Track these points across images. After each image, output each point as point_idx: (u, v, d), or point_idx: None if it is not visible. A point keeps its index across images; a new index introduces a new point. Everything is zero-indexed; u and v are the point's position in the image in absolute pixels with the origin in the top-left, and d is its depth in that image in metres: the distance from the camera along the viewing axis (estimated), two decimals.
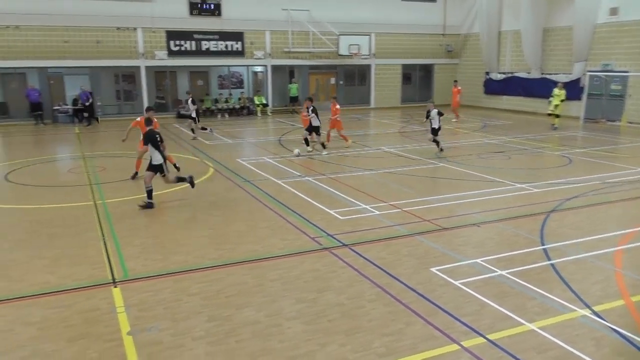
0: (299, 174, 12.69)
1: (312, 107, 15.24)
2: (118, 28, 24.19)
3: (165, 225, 8.87)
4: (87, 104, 23.48)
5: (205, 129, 19.13)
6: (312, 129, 15.33)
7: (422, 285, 6.37)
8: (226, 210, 9.81)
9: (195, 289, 6.31)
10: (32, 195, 10.86)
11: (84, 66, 24.07)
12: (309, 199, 10.32)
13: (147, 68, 25.29)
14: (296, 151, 15.12)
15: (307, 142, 15.55)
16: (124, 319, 5.57)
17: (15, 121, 23.23)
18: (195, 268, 6.98)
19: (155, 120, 10.78)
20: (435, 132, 14.92)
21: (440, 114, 14.93)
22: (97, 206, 9.91)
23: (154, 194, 9.83)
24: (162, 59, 25.34)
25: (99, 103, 24.79)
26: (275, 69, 28.05)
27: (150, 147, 9.71)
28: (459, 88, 24.45)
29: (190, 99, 18.65)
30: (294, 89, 28.11)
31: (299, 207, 9.76)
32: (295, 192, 10.94)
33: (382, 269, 6.87)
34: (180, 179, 10.22)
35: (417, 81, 32.16)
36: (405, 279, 6.55)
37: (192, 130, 18.63)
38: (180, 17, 25.22)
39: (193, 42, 25.82)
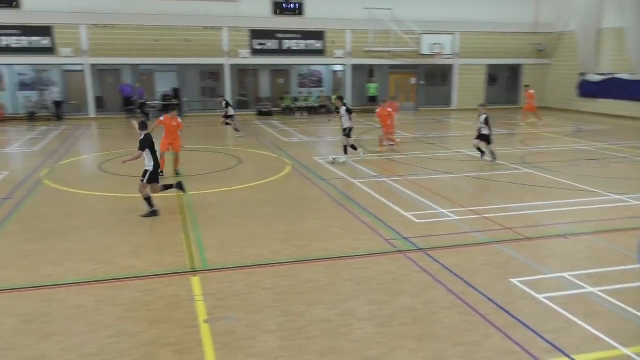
0: (375, 174, 12.64)
1: (345, 108, 14.35)
2: (205, 27, 25.36)
3: (244, 219, 9.18)
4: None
5: (229, 124, 19.69)
6: (343, 131, 14.27)
7: (501, 296, 6.11)
8: (301, 208, 9.98)
9: (269, 284, 6.49)
10: (122, 184, 11.66)
11: (173, 64, 25.50)
12: (385, 200, 10.24)
13: (231, 66, 26.31)
14: (343, 158, 14.11)
15: (353, 147, 14.33)
16: (202, 307, 5.84)
17: (110, 114, 25.10)
18: (270, 263, 7.17)
19: (180, 120, 11.95)
20: (484, 138, 13.83)
21: (487, 121, 13.75)
22: (181, 197, 10.46)
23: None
24: (245, 58, 26.24)
25: (185, 99, 26.15)
26: (355, 68, 28.11)
27: (146, 152, 9.21)
28: (532, 92, 23.17)
29: (225, 102, 19.98)
30: (372, 88, 28.03)
31: (374, 208, 9.72)
32: (371, 192, 10.91)
33: (458, 276, 6.68)
34: (167, 187, 9.66)
35: (504, 82, 30.89)
36: (483, 288, 6.32)
37: (236, 129, 19.36)
38: (263, 16, 25.98)
39: (275, 41, 26.49)
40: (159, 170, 9.69)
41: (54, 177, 12.31)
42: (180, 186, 9.76)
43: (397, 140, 16.49)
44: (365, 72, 28.57)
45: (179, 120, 12.15)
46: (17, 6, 22.77)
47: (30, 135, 19.35)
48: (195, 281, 6.55)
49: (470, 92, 29.79)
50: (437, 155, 15.41)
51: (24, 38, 23.29)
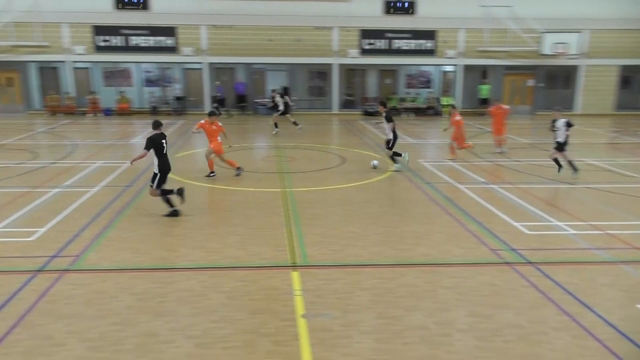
0: (483, 180, 12.11)
1: (385, 114, 13.08)
2: (316, 27, 25.99)
3: (345, 218, 9.28)
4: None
5: (297, 124, 19.85)
6: (387, 142, 13.11)
7: (624, 322, 5.56)
8: (404, 210, 9.86)
9: (367, 284, 6.49)
10: (232, 178, 12.34)
11: (284, 63, 26.46)
12: (493, 208, 9.78)
13: (340, 66, 26.70)
14: (374, 162, 13.41)
15: (392, 158, 13.18)
16: (300, 302, 6.01)
17: (223, 110, 26.65)
18: (369, 264, 7.17)
19: (220, 124, 12.11)
20: (560, 147, 12.27)
21: (568, 124, 12.19)
22: (285, 193, 10.83)
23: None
24: (354, 57, 26.48)
25: (294, 98, 27.02)
26: (467, 68, 27.16)
27: (153, 153, 9.04)
28: None
29: (279, 95, 20.14)
30: (484, 90, 26.89)
31: (480, 216, 9.32)
32: (478, 199, 10.47)
33: (573, 295, 6.18)
34: (166, 193, 9.17)
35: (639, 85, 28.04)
36: (603, 311, 5.79)
37: (276, 124, 19.57)
38: (374, 16, 26.02)
39: (385, 41, 26.42)
40: (167, 173, 9.25)
41: (173, 168, 13.33)
42: (180, 192, 9.16)
43: (471, 144, 15.20)
44: (477, 73, 27.49)
45: (220, 124, 12.29)
46: (146, 8, 25.03)
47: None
48: (295, 276, 6.74)
49: (597, 95, 27.44)
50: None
51: (151, 38, 25.55)
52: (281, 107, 19.69)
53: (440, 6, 25.71)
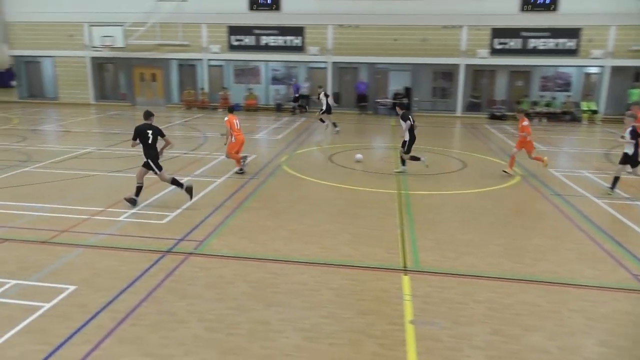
0: (627, 195, 10.93)
1: (401, 114, 12.64)
2: (444, 26, 25.32)
3: (462, 225, 8.94)
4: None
5: (323, 121, 20.01)
6: (403, 143, 12.72)
7: None
8: (528, 222, 9.26)
9: (483, 297, 6.19)
10: (348, 176, 12.50)
11: (408, 63, 26.17)
12: (637, 227, 8.78)
13: (466, 66, 25.76)
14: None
15: (413, 159, 12.74)
16: (409, 307, 5.91)
17: (344, 110, 27.10)
18: (486, 275, 6.84)
19: (235, 119, 12.25)
20: (628, 159, 10.62)
21: (636, 134, 10.37)
22: (400, 195, 10.72)
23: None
24: (483, 58, 25.38)
25: (415, 99, 26.62)
26: (615, 70, 24.67)
27: (140, 142, 9.48)
28: None
29: (324, 92, 20.01)
30: (635, 94, 24.17)
31: (621, 235, 8.42)
32: (618, 216, 9.48)
33: None
34: (176, 183, 9.71)
35: None
36: None
37: (322, 120, 19.98)
38: (509, 13, 24.69)
39: (519, 40, 24.96)
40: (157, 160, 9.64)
41: (291, 163, 13.89)
42: (189, 190, 9.68)
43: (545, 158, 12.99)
44: (628, 75, 24.81)
45: (235, 119, 12.35)
46: (278, 9, 26.27)
47: (275, 125, 22.21)
48: (406, 280, 6.65)
49: None
50: None
51: (280, 37, 26.78)
52: (324, 107, 19.83)
53: (586, 1, 23.64)
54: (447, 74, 26.68)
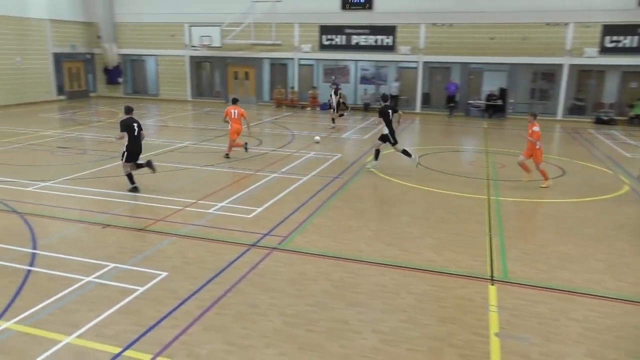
0: None
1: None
2: (547, 24, 23.96)
3: (559, 236, 8.42)
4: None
5: (343, 114, 21.01)
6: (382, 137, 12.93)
7: None
8: (637, 238, 8.52)
9: (578, 315, 5.80)
10: (434, 179, 12.23)
11: (505, 63, 25.06)
12: None
13: (571, 66, 24.20)
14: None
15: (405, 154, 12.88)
16: (495, 319, 5.67)
17: (434, 111, 26.54)
18: (583, 292, 6.39)
19: (233, 109, 13.96)
20: None
21: None
22: (490, 201, 10.31)
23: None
24: (591, 57, 23.69)
25: (511, 100, 25.44)
26: None
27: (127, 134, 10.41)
28: None
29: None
30: None
31: None
32: None
33: None
34: (141, 166, 10.76)
35: None
36: None
37: (333, 120, 20.56)
38: (624, 8, 22.83)
39: (635, 37, 22.99)
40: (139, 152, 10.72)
41: (380, 166, 13.82)
42: (149, 165, 10.64)
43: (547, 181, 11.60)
44: None
45: (242, 109, 14.11)
46: (370, 8, 26.24)
47: (362, 124, 22.21)
48: (492, 290, 6.39)
49: None
50: None
51: (371, 37, 26.74)
52: (334, 104, 20.51)
53: None
54: (548, 74, 25.19)
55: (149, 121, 22.07)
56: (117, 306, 5.82)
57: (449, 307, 5.96)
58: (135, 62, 31.92)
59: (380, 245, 7.88)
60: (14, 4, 25.95)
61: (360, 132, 20.08)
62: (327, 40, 27.47)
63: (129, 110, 10.92)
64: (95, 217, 8.96)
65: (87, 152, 14.82)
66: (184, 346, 5.08)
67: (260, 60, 29.07)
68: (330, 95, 21.07)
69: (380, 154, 13.33)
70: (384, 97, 13.74)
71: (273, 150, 15.43)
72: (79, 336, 5.20)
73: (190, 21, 28.66)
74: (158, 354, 4.92)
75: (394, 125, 13.02)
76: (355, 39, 26.99)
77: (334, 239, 8.13)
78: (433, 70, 26.83)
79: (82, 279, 6.47)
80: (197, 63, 30.63)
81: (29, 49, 27.06)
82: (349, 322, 5.60)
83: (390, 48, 26.49)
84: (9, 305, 5.79)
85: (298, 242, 7.96)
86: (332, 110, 20.95)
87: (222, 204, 9.80)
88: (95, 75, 31.79)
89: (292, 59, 28.36)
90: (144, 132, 11.02)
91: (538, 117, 11.70)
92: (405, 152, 12.94)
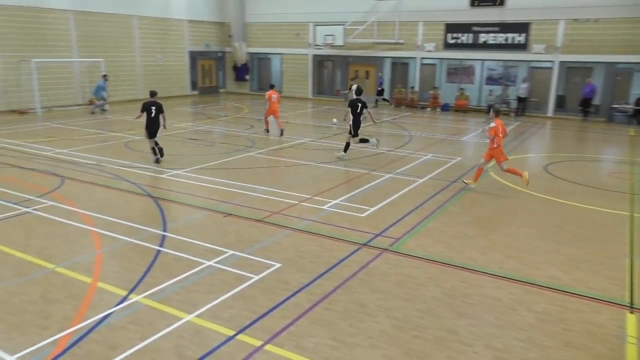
0: None
1: (494, 124, 10.69)
2: None
3: None
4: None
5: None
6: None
7: None
8: None
9: None
10: (566, 189, 11.35)
11: None
12: None
13: None
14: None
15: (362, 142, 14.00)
16: (633, 352, 5.12)
17: (568, 115, 24.62)
18: None
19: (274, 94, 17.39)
20: None
21: None
22: (634, 219, 9.33)
23: None
24: None
25: None
26: None
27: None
28: None
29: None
30: None
31: None
32: None
33: None
34: (153, 150, 12.84)
35: None
36: None
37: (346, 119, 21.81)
38: None
39: None
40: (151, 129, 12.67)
41: (499, 170, 13.16)
42: (158, 151, 12.80)
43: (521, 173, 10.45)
44: None
45: (279, 94, 17.49)
46: (502, 4, 24.98)
47: (486, 127, 21.23)
48: (631, 319, 5.77)
49: None
50: None
51: (500, 35, 25.47)
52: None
53: None
54: None
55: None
56: (233, 291, 6.18)
57: (576, 331, 5.50)
58: (261, 60, 33.60)
59: (498, 256, 7.50)
60: (159, 6, 28.62)
61: (482, 135, 19.25)
62: (453, 38, 26.69)
63: (152, 94, 12.77)
64: (218, 205, 9.59)
65: (214, 144, 15.90)
66: (292, 337, 5.25)
67: (381, 59, 29.07)
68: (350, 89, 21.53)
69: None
70: (358, 91, 14.40)
71: (389, 151, 15.35)
72: (197, 315, 5.61)
73: (315, 20, 29.48)
74: (267, 342, 5.15)
75: (368, 119, 14.79)
76: (483, 37, 25.91)
77: (447, 245, 7.89)
78: (570, 70, 24.87)
79: (204, 263, 6.96)
80: (319, 62, 31.44)
81: (169, 47, 29.69)
82: (459, 333, 5.40)
83: (521, 47, 25.04)
84: (140, 281, 6.42)
85: (410, 245, 7.84)
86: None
87: (336, 201, 9.96)
88: (225, 73, 34.00)
89: (414, 58, 27.98)
90: (164, 114, 12.79)
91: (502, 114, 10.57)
92: (363, 140, 13.89)
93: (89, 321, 5.44)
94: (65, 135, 16.78)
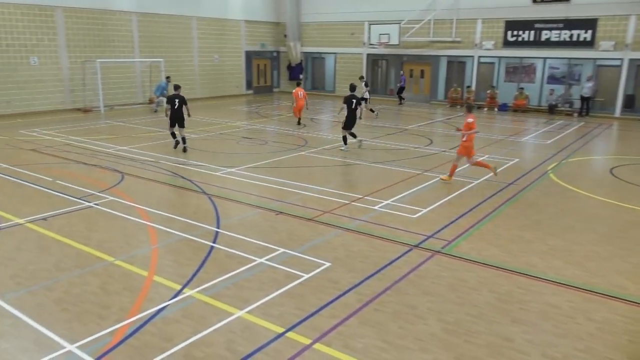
0: None
1: (471, 119, 11.19)
2: None
3: None
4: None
5: (373, 111, 22.62)
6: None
7: None
8: None
9: None
10: (632, 194, 10.78)
11: None
12: None
13: None
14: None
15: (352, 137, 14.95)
16: None
17: (637, 115, 23.36)
18: None
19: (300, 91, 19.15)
20: None
21: None
22: None
23: None
24: None
25: None
26: None
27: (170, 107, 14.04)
28: None
29: (364, 82, 22.90)
30: None
31: None
32: None
33: None
34: (172, 134, 14.67)
35: None
36: None
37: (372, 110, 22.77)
38: None
39: None
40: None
41: (560, 172, 12.67)
42: (181, 140, 14.58)
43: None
44: None
45: (304, 90, 19.44)
46: (567, 0, 23.98)
47: (546, 128, 20.50)
48: None
49: None
50: None
51: (565, 31, 24.46)
52: (366, 95, 22.53)
53: None
54: None
55: (324, 117, 23.21)
56: (283, 289, 6.25)
57: None
58: (315, 60, 33.79)
59: (557, 262, 7.21)
60: (218, 7, 29.34)
61: (542, 136, 18.58)
62: (513, 36, 25.88)
63: (176, 87, 14.28)
64: (270, 204, 9.74)
65: (267, 143, 16.15)
66: (341, 337, 5.26)
67: (437, 58, 28.59)
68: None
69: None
70: (351, 87, 15.41)
71: (443, 151, 15.08)
72: (248, 312, 5.72)
73: (371, 19, 29.35)
74: (316, 340, 5.18)
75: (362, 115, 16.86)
76: (545, 35, 24.98)
77: (503, 249, 7.67)
78: None
79: (255, 260, 7.09)
80: (374, 61, 31.28)
81: (225, 47, 30.38)
82: (513, 340, 5.24)
83: (587, 44, 23.95)
84: (194, 275, 6.61)
85: (463, 247, 7.68)
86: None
87: (388, 201, 9.89)
88: (280, 72, 34.44)
89: (472, 56, 27.33)
90: (188, 106, 14.24)
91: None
92: (352, 135, 14.81)
93: (145, 313, 5.66)
94: (126, 132, 17.51)
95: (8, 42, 20.83)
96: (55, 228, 8.28)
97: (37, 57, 21.84)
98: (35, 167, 12.36)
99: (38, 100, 22.19)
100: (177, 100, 14.00)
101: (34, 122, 19.61)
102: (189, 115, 14.32)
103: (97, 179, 11.39)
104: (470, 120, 11.10)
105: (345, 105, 14.71)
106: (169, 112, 14.05)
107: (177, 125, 14.22)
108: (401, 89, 28.41)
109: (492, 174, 11.63)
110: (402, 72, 29.13)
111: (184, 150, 14.34)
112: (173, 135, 14.60)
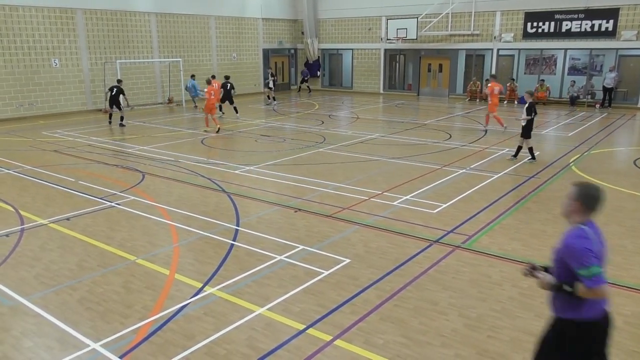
0: None
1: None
2: None
3: None
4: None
5: (274, 99, 25.56)
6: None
7: None
8: None
9: None
10: None
11: None
12: None
13: None
14: None
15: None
16: None
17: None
18: None
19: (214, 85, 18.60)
20: None
21: None
22: None
23: None
24: None
25: None
26: None
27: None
28: None
29: (271, 73, 26.03)
30: None
31: None
32: None
33: None
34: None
35: None
36: None
37: (268, 97, 25.74)
38: None
39: None
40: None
41: (583, 164, 12.44)
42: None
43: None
44: None
45: (215, 87, 18.79)
46: None
47: (567, 120, 20.13)
48: None
49: None
50: None
51: (586, 21, 23.96)
52: (271, 84, 25.46)
53: None
54: None
55: (342, 113, 23.15)
56: (303, 286, 6.25)
57: None
58: (332, 56, 33.69)
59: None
60: (236, 6, 29.42)
61: (563, 128, 18.26)
62: (532, 28, 25.45)
63: (227, 77, 20.16)
64: (289, 201, 9.74)
65: (285, 141, 16.16)
66: (362, 333, 5.24)
67: (455, 51, 28.27)
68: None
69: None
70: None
71: (463, 145, 14.92)
72: (269, 309, 5.73)
73: (388, 14, 29.15)
74: (337, 337, 5.16)
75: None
76: (566, 25, 24.51)
77: (524, 243, 7.55)
78: None
79: (275, 257, 7.10)
80: (391, 56, 31.07)
81: (243, 45, 30.47)
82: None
83: (609, 33, 23.45)
84: (214, 273, 6.65)
85: (484, 242, 7.58)
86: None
87: (407, 197, 9.82)
88: (297, 69, 34.42)
89: (491, 49, 26.96)
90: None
91: None
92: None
93: (167, 311, 5.71)
94: (146, 132, 17.70)
95: (30, 45, 21.19)
96: (78, 228, 8.40)
97: (59, 59, 22.19)
98: (58, 168, 12.57)
99: (60, 102, 22.55)
100: (229, 85, 20.70)
101: (56, 123, 19.94)
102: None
103: (118, 178, 11.53)
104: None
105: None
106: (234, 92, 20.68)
107: (227, 102, 20.70)
108: (303, 80, 32.03)
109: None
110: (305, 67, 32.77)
111: (236, 111, 20.52)
112: (220, 107, 20.07)
